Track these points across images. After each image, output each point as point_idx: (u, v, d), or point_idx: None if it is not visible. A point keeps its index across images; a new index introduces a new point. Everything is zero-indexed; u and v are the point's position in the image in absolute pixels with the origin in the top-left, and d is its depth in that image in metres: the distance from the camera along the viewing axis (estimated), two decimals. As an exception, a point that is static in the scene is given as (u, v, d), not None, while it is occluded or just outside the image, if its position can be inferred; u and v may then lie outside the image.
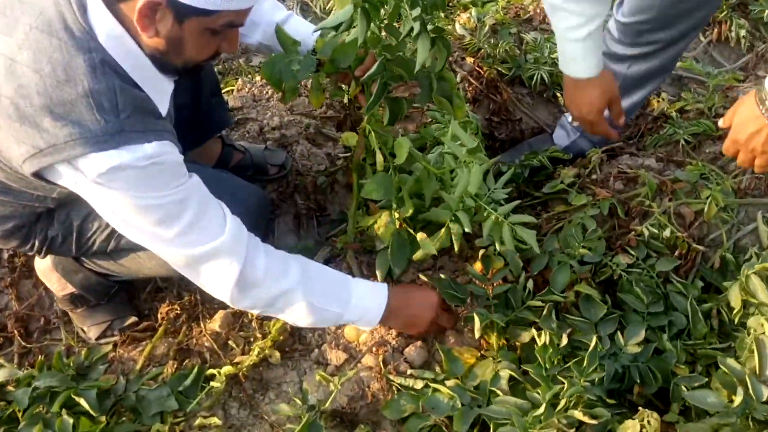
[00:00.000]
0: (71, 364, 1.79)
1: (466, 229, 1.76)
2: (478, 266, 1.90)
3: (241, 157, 2.29)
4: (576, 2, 1.67)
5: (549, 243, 1.95)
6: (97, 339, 1.99)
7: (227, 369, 1.73)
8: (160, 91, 1.37)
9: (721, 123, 1.54)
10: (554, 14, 1.75)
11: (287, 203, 2.33)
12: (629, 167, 2.21)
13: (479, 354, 1.80)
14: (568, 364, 1.63)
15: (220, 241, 1.42)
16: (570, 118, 1.95)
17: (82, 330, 2.02)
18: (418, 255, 1.77)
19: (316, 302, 1.56)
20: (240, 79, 2.77)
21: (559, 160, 2.40)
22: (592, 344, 1.58)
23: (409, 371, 1.75)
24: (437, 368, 1.78)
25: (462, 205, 1.76)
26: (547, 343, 1.65)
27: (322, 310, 1.57)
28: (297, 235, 2.32)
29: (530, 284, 1.82)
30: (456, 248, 1.85)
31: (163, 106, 1.35)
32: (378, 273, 1.90)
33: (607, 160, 2.26)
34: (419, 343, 1.80)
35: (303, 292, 1.53)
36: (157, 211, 1.35)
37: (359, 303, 1.63)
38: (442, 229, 1.75)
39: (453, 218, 1.79)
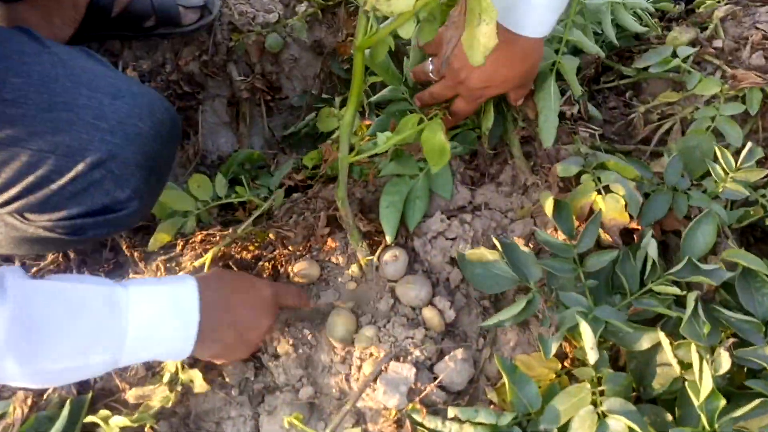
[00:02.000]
0: None
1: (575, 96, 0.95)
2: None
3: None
4: None
5: (671, 167, 1.15)
6: None
7: (116, 423, 0.95)
8: None
9: None
10: None
11: (217, 80, 1.43)
12: (771, 28, 1.38)
13: (559, 367, 1.07)
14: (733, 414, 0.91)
15: None
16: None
17: None
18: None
19: (50, 366, 0.78)
20: None
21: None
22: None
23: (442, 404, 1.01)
24: (491, 393, 1.05)
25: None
26: (701, 371, 0.92)
27: (68, 372, 0.81)
28: (234, 132, 1.45)
29: (653, 248, 1.05)
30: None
31: None
32: (386, 228, 1.09)
33: (735, 15, 1.41)
34: (460, 353, 1.04)
35: (15, 358, 0.75)
36: None
37: (145, 335, 0.85)
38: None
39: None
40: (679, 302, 1.05)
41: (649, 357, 1.05)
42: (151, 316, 0.84)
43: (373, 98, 1.23)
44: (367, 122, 1.27)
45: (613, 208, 1.05)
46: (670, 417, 1.01)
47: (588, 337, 0.95)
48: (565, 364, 1.08)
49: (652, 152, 1.28)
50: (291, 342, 1.08)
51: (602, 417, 0.95)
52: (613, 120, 1.33)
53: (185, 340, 0.88)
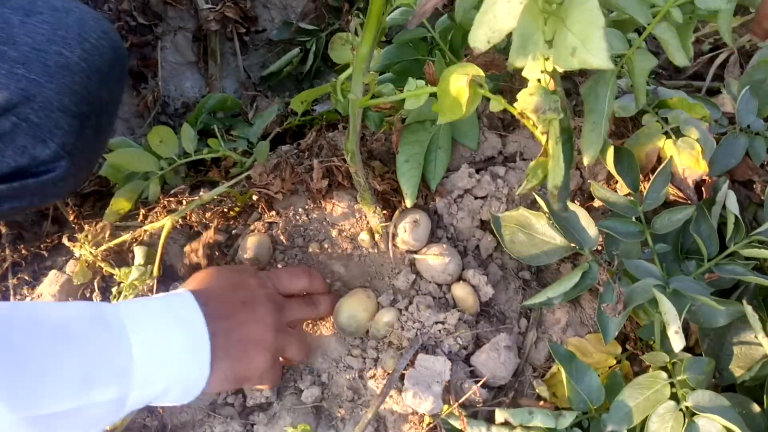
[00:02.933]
0: None
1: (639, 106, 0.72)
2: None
3: None
4: None
5: (744, 104, 0.95)
6: None
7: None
8: None
9: None
10: None
11: (179, 9, 1.18)
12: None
13: (619, 351, 0.88)
14: None
15: None
16: None
17: None
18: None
19: (48, 408, 0.56)
20: None
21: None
22: None
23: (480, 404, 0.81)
24: (540, 387, 0.85)
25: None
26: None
27: (71, 416, 0.58)
28: (201, 73, 1.20)
29: (732, 202, 0.86)
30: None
31: None
32: (406, 188, 0.87)
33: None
34: (503, 339, 0.84)
35: (4, 400, 0.53)
36: None
37: (154, 356, 0.63)
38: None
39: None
40: (756, 268, 0.87)
41: (724, 335, 0.87)
42: (155, 332, 0.62)
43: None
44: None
45: (687, 155, 0.85)
46: (757, 408, 0.83)
47: (672, 318, 0.75)
48: (627, 346, 0.89)
49: (708, 89, 1.08)
50: (288, 331, 0.86)
51: (687, 415, 0.77)
52: (657, 50, 1.12)
53: (199, 361, 0.65)
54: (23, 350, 0.55)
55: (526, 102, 0.64)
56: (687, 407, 0.77)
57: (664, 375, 0.80)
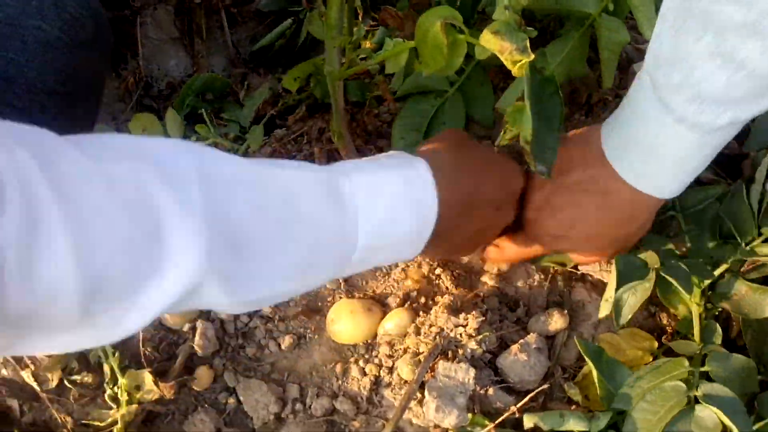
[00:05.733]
0: None
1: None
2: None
3: None
4: None
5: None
6: None
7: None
8: None
9: None
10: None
11: (157, -20, 1.08)
12: None
13: (656, 346, 0.80)
14: None
15: None
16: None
17: None
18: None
19: (264, 293, 0.51)
20: None
21: None
22: None
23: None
24: (571, 390, 0.78)
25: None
26: None
27: (281, 296, 0.57)
28: (186, 50, 1.10)
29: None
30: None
31: None
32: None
33: None
34: (534, 339, 0.76)
35: (221, 284, 0.46)
36: None
37: (375, 243, 0.57)
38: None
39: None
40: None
41: None
42: (384, 219, 0.57)
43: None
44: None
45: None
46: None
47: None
48: (664, 341, 0.81)
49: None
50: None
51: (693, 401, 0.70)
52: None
53: (415, 246, 0.62)
54: (246, 225, 0.47)
55: (490, 42, 0.56)
56: (694, 395, 0.69)
57: (686, 363, 0.72)
